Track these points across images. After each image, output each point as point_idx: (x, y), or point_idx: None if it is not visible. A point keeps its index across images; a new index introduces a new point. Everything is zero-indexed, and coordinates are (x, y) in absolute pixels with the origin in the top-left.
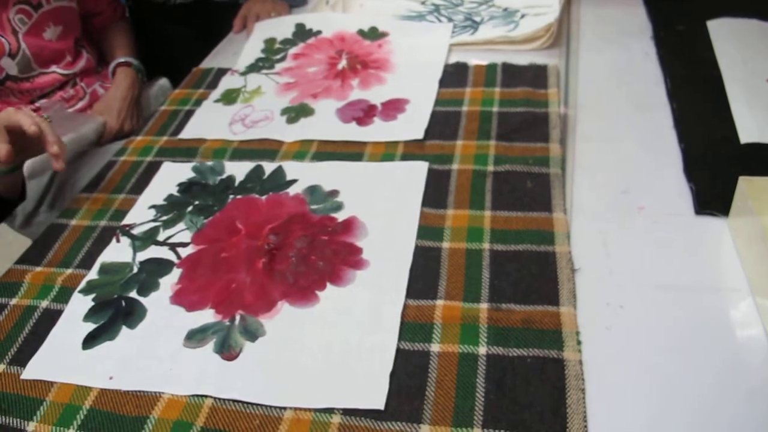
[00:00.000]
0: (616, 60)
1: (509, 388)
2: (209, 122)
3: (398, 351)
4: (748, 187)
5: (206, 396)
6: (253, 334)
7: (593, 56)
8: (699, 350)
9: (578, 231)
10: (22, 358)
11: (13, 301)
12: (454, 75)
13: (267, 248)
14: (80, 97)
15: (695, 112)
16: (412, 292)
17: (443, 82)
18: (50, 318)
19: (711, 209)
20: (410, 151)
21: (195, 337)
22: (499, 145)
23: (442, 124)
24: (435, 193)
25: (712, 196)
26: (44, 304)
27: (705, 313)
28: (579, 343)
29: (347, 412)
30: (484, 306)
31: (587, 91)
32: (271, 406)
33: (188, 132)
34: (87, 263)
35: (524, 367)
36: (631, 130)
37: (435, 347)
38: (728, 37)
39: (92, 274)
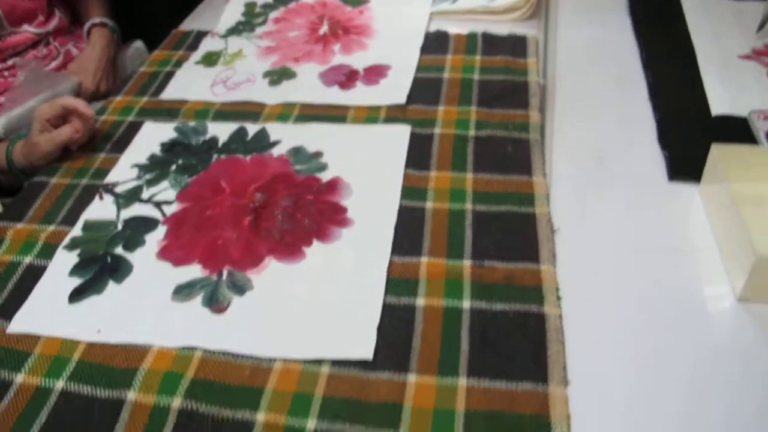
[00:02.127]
0: (593, 32)
1: (492, 340)
2: (190, 84)
3: (384, 305)
4: (719, 153)
5: (196, 348)
6: (241, 288)
7: (571, 28)
8: (671, 307)
9: (557, 195)
10: (7, 313)
11: None
12: (435, 42)
13: (252, 206)
14: (54, 56)
15: (669, 84)
16: (396, 249)
17: (424, 49)
18: (34, 273)
19: (683, 176)
20: (393, 115)
21: (182, 291)
22: (480, 111)
23: (424, 89)
24: (417, 155)
25: (684, 164)
26: (27, 259)
27: (677, 272)
28: (559, 299)
29: (336, 363)
30: (467, 263)
31: (565, 62)
32: (260, 358)
33: (169, 93)
34: (70, 220)
35: (507, 320)
36: (607, 100)
37: (420, 301)
38: (701, 13)
39: (76, 231)
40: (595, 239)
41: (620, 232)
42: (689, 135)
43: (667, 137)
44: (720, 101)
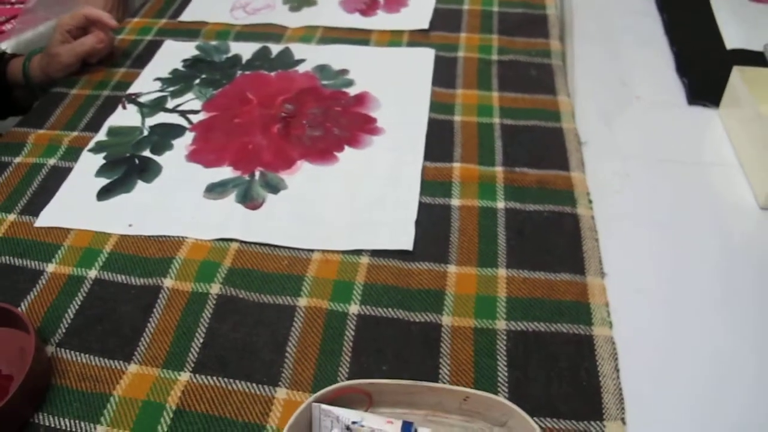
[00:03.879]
0: None
1: (529, 236)
2: (209, 7)
3: (420, 204)
4: (741, 75)
5: (231, 241)
6: (275, 187)
7: None
8: (698, 211)
9: (582, 113)
10: (33, 209)
11: (18, 159)
12: None
13: (281, 116)
14: None
15: (684, 22)
16: (428, 156)
17: None
18: (59, 174)
19: (702, 100)
20: (415, 39)
21: (215, 189)
22: (501, 38)
23: (444, 19)
24: (443, 75)
25: (703, 89)
26: (52, 161)
27: (701, 181)
28: (590, 202)
29: (375, 254)
30: (499, 169)
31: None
32: (299, 249)
33: (188, 15)
34: (93, 127)
35: (541, 219)
36: (624, 33)
37: (455, 201)
38: None
39: (100, 136)
40: (620, 151)
41: (644, 145)
42: (706, 65)
43: (684, 67)
44: (733, 38)
